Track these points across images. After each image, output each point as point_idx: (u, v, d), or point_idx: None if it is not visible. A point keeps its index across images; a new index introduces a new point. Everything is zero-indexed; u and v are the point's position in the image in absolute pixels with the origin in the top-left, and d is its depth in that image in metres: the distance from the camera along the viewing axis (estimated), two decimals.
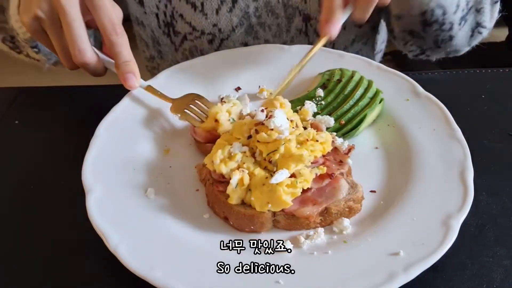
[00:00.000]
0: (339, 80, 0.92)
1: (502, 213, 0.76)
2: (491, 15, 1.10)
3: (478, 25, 1.08)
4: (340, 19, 0.85)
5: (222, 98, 0.86)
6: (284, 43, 1.16)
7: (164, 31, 1.17)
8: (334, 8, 0.83)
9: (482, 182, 0.79)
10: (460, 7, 1.04)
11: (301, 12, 1.11)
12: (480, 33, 1.10)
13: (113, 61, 0.87)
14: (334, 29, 0.85)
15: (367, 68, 0.98)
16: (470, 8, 1.06)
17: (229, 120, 0.84)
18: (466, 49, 1.15)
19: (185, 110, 0.89)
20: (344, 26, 1.15)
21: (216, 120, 0.83)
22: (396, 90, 0.93)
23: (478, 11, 1.06)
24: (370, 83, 0.91)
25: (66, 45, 0.83)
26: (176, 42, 1.18)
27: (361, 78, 0.92)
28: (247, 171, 0.73)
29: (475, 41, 1.14)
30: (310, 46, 1.07)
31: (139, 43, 1.29)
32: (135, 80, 0.84)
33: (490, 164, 0.84)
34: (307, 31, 1.14)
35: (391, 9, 1.07)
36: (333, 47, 1.17)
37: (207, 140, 0.84)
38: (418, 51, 1.15)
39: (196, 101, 0.90)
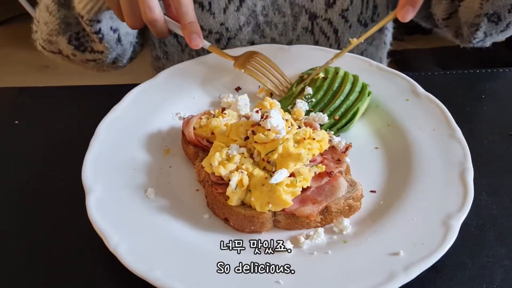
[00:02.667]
0: (325, 78, 0.94)
1: (502, 213, 0.76)
2: None
3: None
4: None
5: (223, 109, 0.86)
6: (290, 41, 1.17)
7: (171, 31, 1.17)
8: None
9: (482, 182, 0.79)
10: None
11: (307, 10, 1.12)
12: None
13: (175, 22, 0.93)
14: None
15: (367, 68, 0.98)
16: None
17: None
18: None
19: (248, 66, 0.97)
20: (349, 25, 1.15)
21: (213, 133, 0.82)
22: (396, 90, 0.93)
23: None
24: (356, 78, 0.93)
25: (134, 3, 0.87)
26: (182, 43, 1.18)
27: (345, 74, 0.94)
28: (246, 172, 0.73)
29: None
30: (310, 47, 1.07)
31: (146, 42, 1.29)
32: (199, 40, 0.90)
33: (490, 164, 0.84)
34: (313, 29, 1.15)
35: None
36: (338, 46, 1.18)
37: (192, 142, 0.83)
38: (482, 37, 1.10)
39: (256, 57, 0.98)
